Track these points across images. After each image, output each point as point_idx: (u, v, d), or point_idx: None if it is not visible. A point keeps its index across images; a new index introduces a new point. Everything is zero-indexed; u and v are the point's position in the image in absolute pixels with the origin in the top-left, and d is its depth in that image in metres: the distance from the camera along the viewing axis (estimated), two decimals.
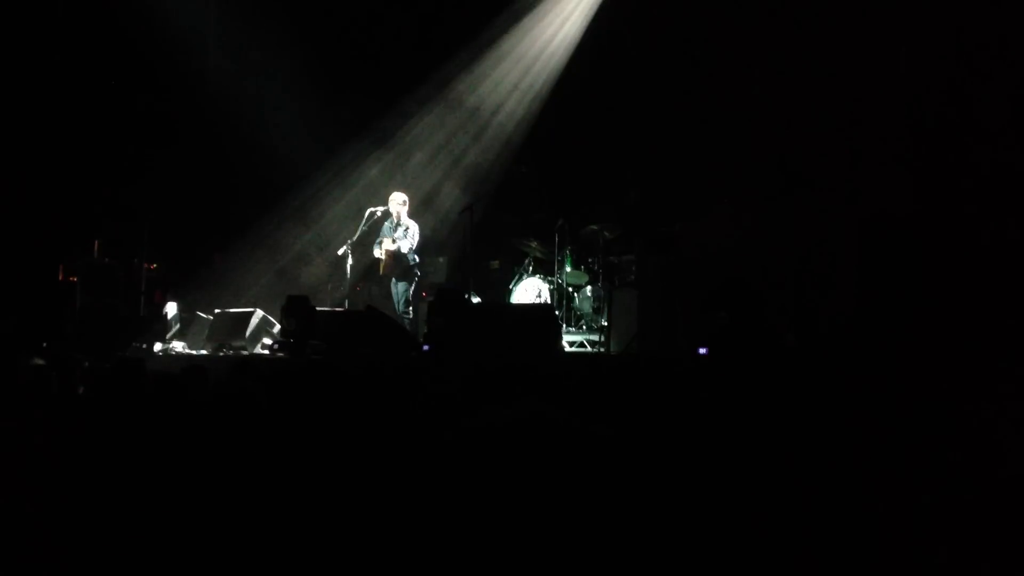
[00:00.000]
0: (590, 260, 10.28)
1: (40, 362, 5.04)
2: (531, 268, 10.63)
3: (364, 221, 10.25)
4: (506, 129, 12.18)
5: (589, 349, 9.51)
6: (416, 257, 10.45)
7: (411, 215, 10.55)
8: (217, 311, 10.40)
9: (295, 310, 8.67)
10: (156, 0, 11.56)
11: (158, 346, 9.86)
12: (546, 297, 10.21)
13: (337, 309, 10.45)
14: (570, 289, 10.18)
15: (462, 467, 2.14)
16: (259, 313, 10.00)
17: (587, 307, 10.03)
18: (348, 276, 10.51)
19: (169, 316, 10.45)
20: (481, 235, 10.88)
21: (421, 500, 2.15)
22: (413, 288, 10.45)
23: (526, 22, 11.97)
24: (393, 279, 10.45)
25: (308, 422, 3.32)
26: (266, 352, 9.41)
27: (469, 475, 2.13)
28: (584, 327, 9.98)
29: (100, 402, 3.99)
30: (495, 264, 11.62)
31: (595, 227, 10.13)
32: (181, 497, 2.82)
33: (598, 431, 2.26)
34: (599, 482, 2.17)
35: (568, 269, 10.24)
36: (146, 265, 10.55)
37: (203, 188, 11.66)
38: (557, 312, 9.59)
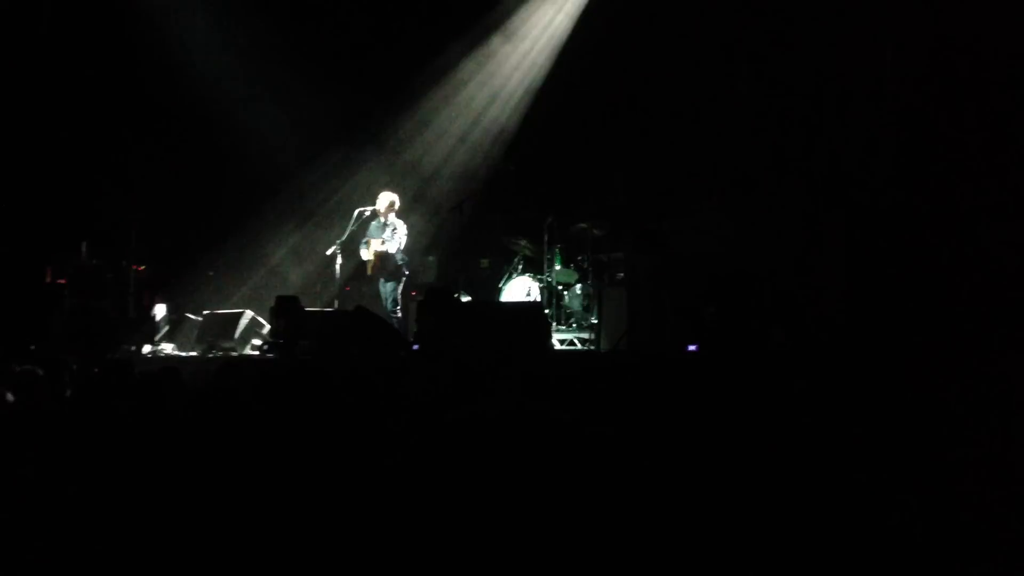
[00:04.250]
0: (579, 258, 10.27)
1: (28, 365, 5.02)
2: (521, 267, 10.63)
3: (353, 221, 10.23)
4: (495, 127, 12.18)
5: (579, 347, 9.51)
6: (405, 257, 10.43)
7: (400, 214, 10.53)
8: (206, 312, 10.38)
9: (284, 311, 8.66)
10: (145, 3, 11.54)
11: (147, 348, 9.84)
12: (536, 295, 10.21)
13: (326, 309, 10.43)
14: (560, 287, 10.17)
15: (445, 461, 2.15)
16: (248, 314, 9.98)
17: (577, 305, 10.03)
18: (337, 276, 10.49)
19: (158, 318, 10.42)
20: (470, 234, 10.87)
21: (406, 496, 2.15)
22: (402, 287, 10.44)
23: (514, 20, 11.98)
24: (381, 279, 10.43)
25: (296, 422, 3.31)
26: (256, 353, 9.39)
27: (452, 469, 2.13)
28: (574, 325, 9.98)
29: (87, 404, 3.98)
30: (485, 263, 11.61)
31: (584, 225, 10.13)
32: (169, 498, 2.82)
33: (582, 425, 2.26)
34: (582, 476, 2.18)
35: (558, 267, 10.23)
36: (134, 267, 10.52)
37: (191, 189, 11.62)
38: (547, 310, 9.58)
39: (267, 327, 9.53)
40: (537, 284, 10.29)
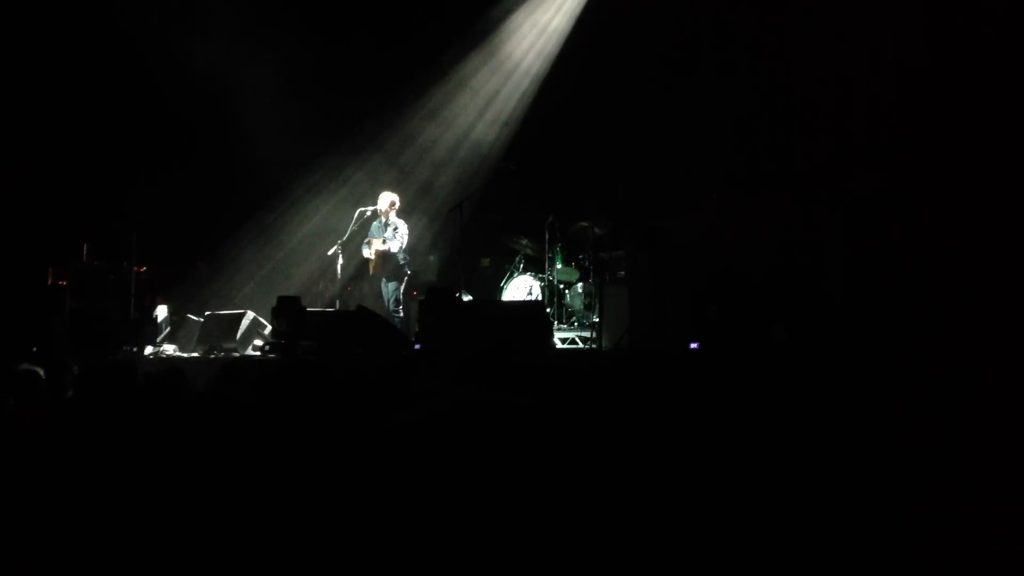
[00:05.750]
0: (580, 257, 10.28)
1: (30, 366, 5.02)
2: (522, 265, 10.64)
3: (354, 221, 10.25)
4: (495, 126, 12.19)
5: (581, 346, 9.51)
6: (406, 256, 10.44)
7: (401, 213, 10.54)
8: (208, 313, 10.39)
9: (286, 311, 8.67)
10: (143, 5, 11.54)
11: (148, 349, 9.84)
12: (537, 294, 10.22)
13: (328, 309, 10.44)
14: (561, 286, 10.18)
15: (408, 456, 2.14)
16: (250, 315, 9.98)
17: (578, 304, 10.03)
18: (338, 276, 10.51)
19: (159, 319, 10.42)
20: (471, 233, 10.88)
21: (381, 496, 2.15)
22: (403, 287, 10.45)
23: (514, 19, 11.98)
24: (383, 279, 10.45)
25: (296, 423, 3.32)
26: (257, 354, 9.39)
27: (426, 462, 2.12)
28: (576, 324, 9.99)
29: (88, 406, 3.98)
30: (486, 262, 11.62)
31: (585, 223, 10.13)
32: (172, 498, 2.82)
33: (549, 411, 2.25)
34: (555, 465, 2.17)
35: (559, 266, 10.24)
36: (136, 268, 10.52)
37: (192, 190, 11.63)
38: (548, 309, 9.58)
39: (268, 327, 9.54)
40: (538, 283, 10.30)
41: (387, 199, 10.41)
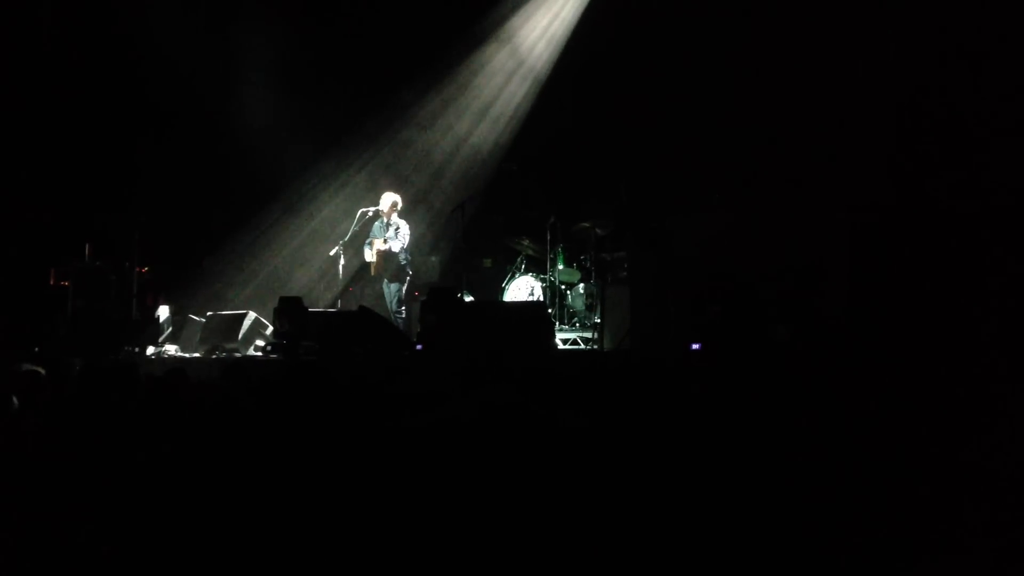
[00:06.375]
0: (582, 257, 10.27)
1: (32, 366, 5.03)
2: (523, 266, 10.63)
3: (356, 221, 10.24)
4: (497, 127, 12.19)
5: (582, 347, 9.51)
6: (408, 257, 10.44)
7: (403, 214, 10.54)
8: (209, 313, 10.39)
9: (288, 311, 8.67)
10: (142, 3, 11.55)
11: (151, 349, 9.84)
12: (539, 295, 10.21)
13: (330, 310, 10.44)
14: (563, 287, 10.18)
15: (431, 457, 2.14)
16: (251, 315, 9.99)
17: (580, 304, 10.03)
18: (340, 277, 10.50)
19: (161, 319, 10.43)
20: (473, 234, 10.88)
21: (396, 494, 2.15)
22: (405, 287, 10.45)
23: (516, 20, 11.98)
24: (385, 279, 10.45)
25: (298, 423, 3.32)
26: (259, 354, 9.40)
27: (438, 466, 2.12)
28: (577, 325, 9.98)
29: (90, 406, 3.99)
30: (487, 262, 11.62)
31: (587, 224, 10.13)
32: (170, 499, 2.82)
33: (566, 419, 2.26)
34: (570, 471, 2.17)
35: (560, 267, 10.24)
36: (138, 268, 10.54)
37: (194, 191, 11.64)
38: (550, 310, 9.58)
39: (270, 328, 9.54)
40: (540, 284, 10.29)
41: (389, 199, 10.41)
